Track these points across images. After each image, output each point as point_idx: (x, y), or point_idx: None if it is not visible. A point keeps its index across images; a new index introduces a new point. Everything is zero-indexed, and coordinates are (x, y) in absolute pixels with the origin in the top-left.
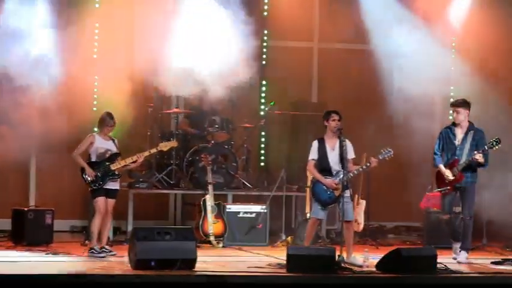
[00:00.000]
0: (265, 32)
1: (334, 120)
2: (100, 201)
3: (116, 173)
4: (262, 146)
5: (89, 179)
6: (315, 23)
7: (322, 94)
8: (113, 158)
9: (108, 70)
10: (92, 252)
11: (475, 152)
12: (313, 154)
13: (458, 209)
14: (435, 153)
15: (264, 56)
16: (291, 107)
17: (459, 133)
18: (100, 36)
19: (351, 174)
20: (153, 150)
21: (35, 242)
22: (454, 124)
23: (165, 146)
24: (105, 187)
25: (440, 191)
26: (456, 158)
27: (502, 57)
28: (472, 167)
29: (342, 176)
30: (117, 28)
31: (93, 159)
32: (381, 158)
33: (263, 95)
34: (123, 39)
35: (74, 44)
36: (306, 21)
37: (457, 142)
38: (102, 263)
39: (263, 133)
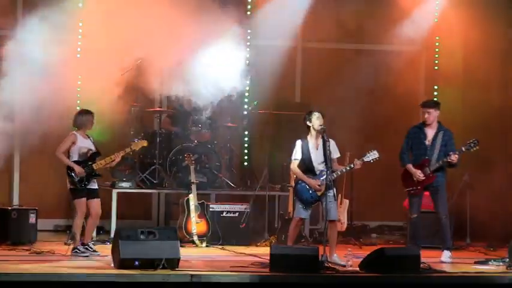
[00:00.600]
0: (249, 31)
1: (317, 120)
2: (83, 202)
3: (98, 172)
4: (246, 145)
5: (76, 177)
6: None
7: (305, 94)
8: (94, 157)
9: (91, 69)
10: (76, 251)
11: (451, 153)
12: (297, 154)
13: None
14: (403, 153)
15: (248, 56)
16: (274, 107)
17: (429, 133)
18: (83, 35)
19: (335, 175)
20: (128, 150)
21: (18, 241)
22: (424, 124)
23: (136, 145)
24: (88, 187)
25: (409, 191)
26: (427, 158)
27: (486, 57)
28: (443, 167)
29: (325, 176)
30: (101, 27)
31: (75, 158)
32: (365, 160)
33: (246, 94)
34: (107, 39)
35: (57, 43)
36: (290, 20)
37: (427, 142)
38: (85, 262)
39: (246, 133)
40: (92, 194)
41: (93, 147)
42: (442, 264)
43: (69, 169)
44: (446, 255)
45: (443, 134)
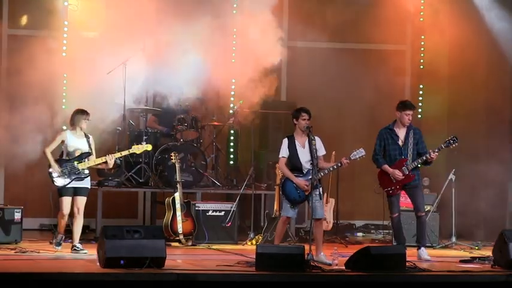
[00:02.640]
0: (235, 30)
1: (304, 119)
2: (65, 201)
3: (85, 172)
4: (231, 144)
5: (55, 175)
6: (284, 21)
7: (291, 92)
8: (83, 157)
9: (77, 68)
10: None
11: (430, 151)
12: (284, 152)
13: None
14: (377, 154)
15: (234, 54)
16: (260, 105)
17: (401, 133)
18: (69, 34)
19: (321, 174)
20: (125, 153)
21: (4, 239)
22: (394, 124)
23: (138, 149)
24: (72, 186)
25: (387, 191)
26: (403, 157)
27: (471, 55)
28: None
29: (311, 175)
30: (87, 26)
31: (64, 156)
32: (352, 158)
33: (232, 93)
34: (93, 37)
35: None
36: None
37: (400, 142)
38: (70, 261)
39: (232, 131)
40: (77, 193)
41: (86, 147)
42: (427, 263)
43: (49, 167)
44: (425, 252)
45: (414, 133)
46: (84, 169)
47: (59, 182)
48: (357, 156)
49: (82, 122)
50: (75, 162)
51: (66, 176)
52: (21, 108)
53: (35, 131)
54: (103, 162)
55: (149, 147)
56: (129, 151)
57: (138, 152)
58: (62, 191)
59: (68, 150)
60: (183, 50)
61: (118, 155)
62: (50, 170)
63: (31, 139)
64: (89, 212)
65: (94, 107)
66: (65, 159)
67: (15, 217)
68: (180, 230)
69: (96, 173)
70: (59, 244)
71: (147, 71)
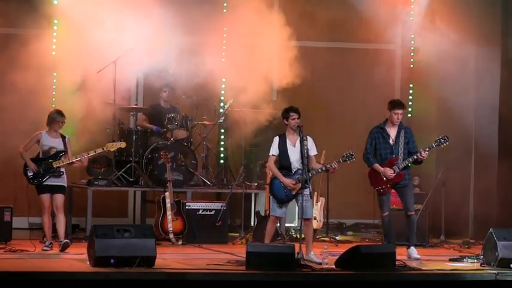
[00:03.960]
0: (225, 29)
1: (293, 119)
2: (43, 198)
3: (59, 169)
4: (222, 143)
5: (30, 174)
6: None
7: (281, 91)
8: (57, 155)
9: (67, 67)
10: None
11: (421, 150)
12: (274, 150)
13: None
14: (368, 153)
15: (224, 54)
16: (250, 105)
17: (392, 132)
18: (59, 32)
19: (310, 175)
20: (99, 150)
21: None
22: (385, 124)
23: (112, 146)
24: (48, 183)
25: (378, 190)
26: (394, 156)
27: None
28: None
29: (300, 174)
30: (77, 24)
31: (40, 156)
32: (341, 161)
33: (223, 92)
34: (83, 35)
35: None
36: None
37: (391, 141)
38: (60, 260)
39: (222, 130)
40: (54, 190)
41: (61, 146)
42: (417, 262)
43: (25, 166)
44: (414, 251)
45: (405, 132)
46: (59, 167)
47: (35, 180)
48: (347, 160)
49: (55, 124)
50: (50, 161)
51: (41, 174)
52: (10, 107)
53: (24, 130)
54: (77, 160)
55: (123, 144)
56: (102, 148)
57: (112, 150)
58: (39, 189)
59: (43, 149)
60: (173, 49)
61: (92, 152)
62: (26, 169)
63: (20, 138)
64: (79, 211)
65: (84, 105)
66: (41, 158)
67: (5, 216)
68: (170, 229)
69: (86, 172)
70: (49, 249)
71: (137, 69)
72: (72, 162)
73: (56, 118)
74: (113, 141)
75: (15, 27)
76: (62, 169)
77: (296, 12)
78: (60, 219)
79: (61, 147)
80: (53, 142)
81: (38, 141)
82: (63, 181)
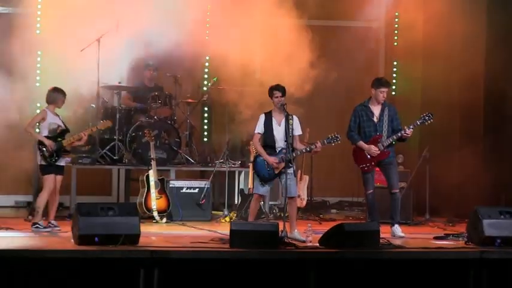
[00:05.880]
0: (209, 7)
1: (277, 97)
2: (51, 178)
3: (67, 149)
4: (205, 121)
5: (47, 153)
6: None
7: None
8: (63, 134)
9: (51, 45)
10: (37, 227)
11: (405, 127)
12: (259, 128)
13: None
14: (351, 131)
15: (207, 32)
16: (233, 83)
17: (376, 110)
18: (43, 11)
19: (294, 154)
20: (94, 129)
21: None
22: (369, 101)
23: (102, 125)
24: (57, 164)
25: (362, 167)
26: (378, 134)
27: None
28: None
29: (283, 154)
30: (61, 2)
31: (45, 134)
32: (326, 142)
33: (206, 70)
34: (67, 14)
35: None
36: None
37: (375, 119)
38: (45, 238)
39: (206, 108)
40: (58, 171)
41: (62, 125)
42: (401, 240)
43: (40, 144)
44: (399, 229)
45: (389, 110)
46: (66, 147)
47: (52, 158)
48: (331, 142)
49: (59, 101)
50: (59, 139)
51: (55, 154)
52: None
53: (7, 108)
54: (79, 139)
55: (109, 123)
56: (96, 127)
57: (102, 128)
58: (47, 169)
59: (50, 128)
60: (156, 26)
61: (89, 131)
62: (43, 147)
63: (3, 116)
64: (63, 189)
65: (68, 84)
66: (49, 136)
67: None
68: (154, 207)
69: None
70: (44, 227)
71: (121, 47)
72: (72, 142)
73: (61, 95)
74: (101, 120)
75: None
76: (68, 148)
77: None
78: (57, 200)
79: (63, 125)
80: (57, 120)
81: (42, 118)
82: (63, 161)
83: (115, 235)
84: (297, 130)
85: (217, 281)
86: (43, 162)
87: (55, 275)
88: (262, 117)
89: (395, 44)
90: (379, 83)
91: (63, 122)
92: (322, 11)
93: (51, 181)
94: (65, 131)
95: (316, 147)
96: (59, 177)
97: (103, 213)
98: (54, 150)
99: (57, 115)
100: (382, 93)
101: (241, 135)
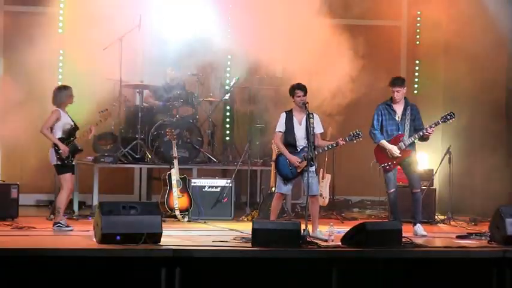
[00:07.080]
0: (230, 6)
1: (299, 96)
2: (68, 176)
3: (80, 148)
4: (227, 120)
5: (65, 155)
6: None
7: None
8: (74, 132)
9: (73, 44)
10: (59, 226)
11: (427, 126)
12: (280, 126)
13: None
14: (374, 129)
15: (229, 30)
16: (256, 82)
17: (398, 109)
18: (65, 10)
19: (316, 152)
20: (99, 122)
21: (0, 216)
22: (391, 100)
23: (103, 117)
24: (73, 163)
25: (384, 167)
26: (400, 133)
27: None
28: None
29: (305, 152)
30: (83, 1)
31: (59, 135)
32: (348, 140)
33: (228, 69)
34: (90, 12)
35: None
36: None
37: (397, 118)
38: (67, 237)
39: (228, 107)
40: (73, 169)
41: (72, 123)
42: (423, 239)
43: (56, 145)
44: (421, 228)
45: (411, 109)
46: (79, 146)
47: (68, 160)
48: (353, 139)
49: (70, 99)
50: (71, 139)
51: (70, 154)
52: (17, 85)
53: (30, 108)
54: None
55: (108, 114)
56: (100, 120)
57: (107, 118)
58: (66, 168)
59: (65, 128)
60: (178, 25)
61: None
62: (58, 149)
63: (27, 116)
64: (85, 188)
65: (90, 83)
66: (64, 137)
67: (12, 193)
68: (176, 206)
69: (92, 149)
70: (66, 226)
71: (143, 46)
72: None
73: (67, 92)
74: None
75: (22, 5)
76: (80, 147)
77: None
78: (69, 199)
79: (72, 123)
80: (69, 119)
81: (57, 119)
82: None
83: (137, 234)
84: (318, 128)
85: (239, 280)
86: (59, 163)
87: (77, 274)
88: (283, 116)
89: (418, 43)
90: (392, 82)
91: (72, 120)
92: (344, 10)
93: (69, 180)
94: (75, 129)
95: (338, 144)
96: (73, 176)
97: (125, 212)
98: (69, 152)
99: (67, 113)
100: (395, 92)
101: (263, 133)
